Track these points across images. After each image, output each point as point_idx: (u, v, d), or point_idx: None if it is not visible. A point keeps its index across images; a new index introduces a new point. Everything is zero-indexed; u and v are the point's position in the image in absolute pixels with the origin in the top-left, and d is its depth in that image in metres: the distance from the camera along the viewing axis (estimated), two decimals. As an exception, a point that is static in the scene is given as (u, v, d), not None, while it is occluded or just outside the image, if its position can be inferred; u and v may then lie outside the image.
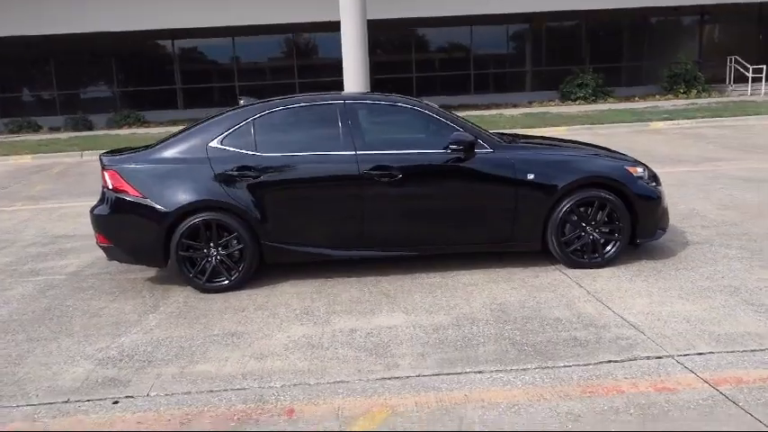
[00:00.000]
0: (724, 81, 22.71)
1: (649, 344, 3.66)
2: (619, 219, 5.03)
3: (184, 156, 5.01)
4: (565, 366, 3.43)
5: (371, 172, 4.90)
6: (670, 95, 21.87)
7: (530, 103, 22.08)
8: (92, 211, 5.17)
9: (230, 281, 4.95)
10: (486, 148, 5.03)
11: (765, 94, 20.85)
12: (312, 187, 5.00)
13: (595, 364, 3.44)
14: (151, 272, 5.52)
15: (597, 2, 20.80)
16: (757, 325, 3.85)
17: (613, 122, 16.63)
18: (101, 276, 5.54)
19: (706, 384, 3.15)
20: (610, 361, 3.47)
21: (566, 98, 22.05)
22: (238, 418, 3.04)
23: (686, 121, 16.42)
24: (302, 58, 23.48)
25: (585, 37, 23.95)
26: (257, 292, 4.91)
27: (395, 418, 2.98)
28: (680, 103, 20.08)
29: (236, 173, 4.90)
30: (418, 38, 24.06)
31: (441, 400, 3.12)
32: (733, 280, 4.66)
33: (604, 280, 4.81)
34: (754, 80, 21.24)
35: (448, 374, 3.39)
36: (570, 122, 16.42)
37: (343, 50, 17.54)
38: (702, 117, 16.68)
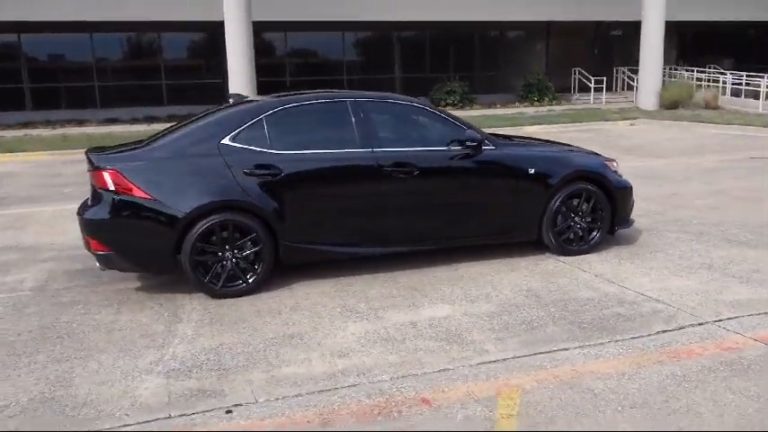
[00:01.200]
0: (569, 90, 25.29)
1: (683, 314, 4.15)
2: (602, 209, 5.57)
3: (194, 154, 4.71)
4: (633, 338, 3.79)
5: (390, 168, 4.96)
6: (526, 103, 23.88)
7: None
8: (81, 214, 4.67)
9: (248, 284, 4.73)
10: (489, 145, 5.31)
11: (606, 102, 23.54)
12: (331, 185, 4.95)
13: (656, 333, 3.85)
14: (129, 281, 5.06)
15: (446, 14, 22.04)
16: (751, 293, 4.51)
17: (492, 126, 17.90)
18: (76, 289, 4.98)
19: (759, 343, 3.68)
20: (665, 331, 3.90)
21: (436, 104, 23.15)
22: (378, 412, 3.01)
23: (553, 125, 18.10)
24: (169, 58, 22.24)
25: (452, 47, 25.37)
26: (277, 294, 4.75)
27: (530, 395, 3.12)
28: (541, 109, 22.04)
29: (254, 171, 4.70)
30: (295, 42, 23.92)
31: (556, 376, 3.32)
32: (703, 258, 5.38)
33: (599, 264, 5.30)
34: (596, 90, 23.91)
35: (539, 354, 3.60)
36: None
37: (228, 52, 17.12)
38: (565, 123, 18.50)
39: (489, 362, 3.52)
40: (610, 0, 23.39)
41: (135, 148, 4.85)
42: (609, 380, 3.26)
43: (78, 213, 4.73)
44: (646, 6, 20.17)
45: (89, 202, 4.79)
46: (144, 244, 4.61)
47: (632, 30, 25.45)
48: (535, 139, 7.29)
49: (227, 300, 4.64)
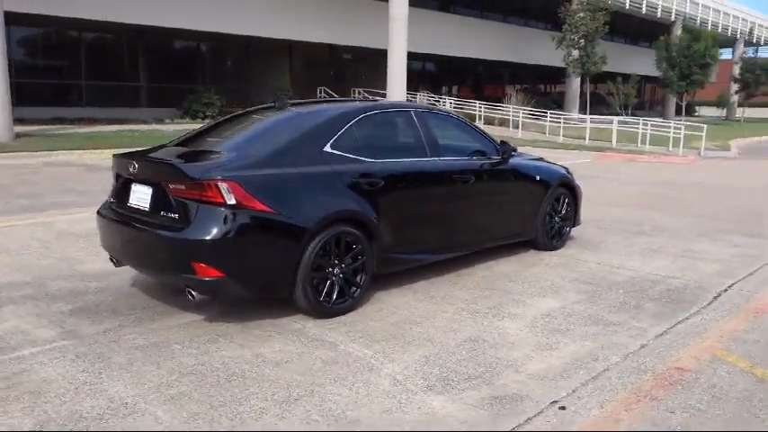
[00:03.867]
0: (315, 108, 26.66)
1: (707, 285, 5.31)
2: (570, 208, 6.61)
3: (301, 161, 4.29)
4: (703, 308, 4.77)
5: (456, 176, 5.20)
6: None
7: (160, 121, 21.32)
8: (186, 236, 3.85)
9: (352, 299, 4.48)
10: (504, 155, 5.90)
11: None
12: (415, 193, 4.96)
13: (710, 302, 4.90)
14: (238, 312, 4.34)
15: (193, 23, 21.61)
16: (722, 266, 5.95)
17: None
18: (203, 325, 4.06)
19: (777, 294, 5.05)
20: (714, 299, 5.00)
21: (194, 116, 22.13)
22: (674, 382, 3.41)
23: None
24: None
25: (206, 59, 24.45)
26: (376, 308, 4.58)
27: (725, 357, 3.86)
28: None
29: (358, 180, 4.50)
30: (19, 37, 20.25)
31: (711, 348, 4.09)
32: (653, 245, 6.79)
33: (583, 254, 6.31)
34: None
35: (671, 328, 4.32)
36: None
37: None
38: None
39: (658, 335, 4.16)
40: (345, 25, 25.44)
41: (218, 156, 4.21)
42: (742, 340, 4.18)
43: (182, 237, 3.86)
44: (391, 37, 22.52)
45: (173, 219, 3.96)
46: (266, 264, 4.04)
47: (364, 55, 28.06)
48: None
49: (342, 318, 4.34)
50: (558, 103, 33.33)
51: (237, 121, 5.22)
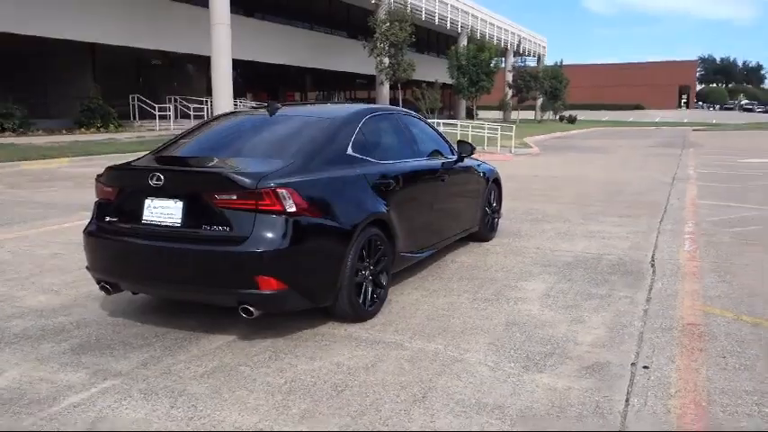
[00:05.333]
0: (128, 117, 24.64)
1: (636, 257, 6.21)
2: (497, 202, 7.22)
3: (333, 165, 4.23)
4: (656, 276, 5.63)
5: (438, 175, 5.46)
6: (93, 129, 22.22)
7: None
8: (248, 248, 3.60)
9: (380, 301, 4.53)
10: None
11: (176, 129, 24.02)
12: (414, 193, 5.11)
13: (653, 270, 5.77)
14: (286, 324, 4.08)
15: None
16: (629, 242, 6.97)
17: (100, 154, 16.36)
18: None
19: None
20: (652, 267, 5.88)
21: (-12, 129, 19.21)
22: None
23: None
24: None
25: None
26: (397, 307, 4.68)
27: (712, 311, 4.65)
28: (117, 136, 20.95)
29: (379, 182, 4.55)
30: None
31: (695, 306, 4.89)
32: (560, 230, 7.63)
33: (517, 242, 6.94)
34: (161, 118, 24.12)
35: (650, 295, 5.08)
36: (56, 155, 15.13)
37: None
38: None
39: (647, 300, 4.84)
40: (155, 29, 24.03)
41: (260, 162, 3.99)
42: (711, 289, 5.06)
43: (248, 249, 3.58)
44: (216, 42, 21.74)
45: (224, 232, 3.67)
46: (320, 272, 3.92)
47: (177, 61, 26.71)
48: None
49: (375, 320, 4.37)
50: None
51: (230, 126, 4.92)
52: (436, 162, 5.61)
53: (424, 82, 34.55)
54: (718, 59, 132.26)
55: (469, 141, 6.41)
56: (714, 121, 60.59)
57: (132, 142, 18.90)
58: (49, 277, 5.48)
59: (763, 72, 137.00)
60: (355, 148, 4.51)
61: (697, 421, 2.96)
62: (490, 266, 5.85)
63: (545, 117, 55.44)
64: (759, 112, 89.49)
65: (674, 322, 4.32)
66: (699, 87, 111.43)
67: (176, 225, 3.80)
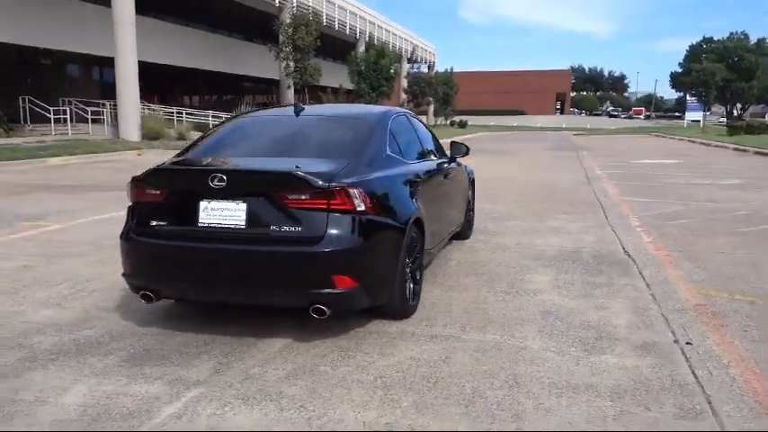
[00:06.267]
0: (18, 121, 22.74)
1: (609, 249, 6.72)
2: (472, 201, 7.52)
3: (379, 165, 4.29)
4: (638, 265, 6.15)
5: (444, 175, 5.64)
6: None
7: None
8: (325, 248, 3.60)
9: (417, 296, 4.64)
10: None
11: (74, 133, 22.46)
12: (432, 192, 5.23)
13: (631, 260, 6.30)
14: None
15: None
16: (593, 236, 7.50)
17: (17, 159, 15.19)
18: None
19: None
20: (628, 257, 6.41)
21: None
22: None
23: (65, 158, 16.73)
24: None
25: None
26: (428, 303, 4.81)
27: (709, 293, 5.17)
28: (29, 140, 19.44)
29: (412, 180, 4.66)
30: None
31: (691, 289, 5.41)
32: (525, 227, 8.04)
33: (494, 238, 7.27)
34: (56, 121, 22.47)
35: (648, 281, 5.55)
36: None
37: None
38: (76, 154, 17.33)
39: (649, 285, 5.29)
40: (45, 26, 22.43)
41: (318, 162, 3.98)
42: (693, 274, 5.62)
43: (322, 249, 3.57)
44: (120, 41, 20.64)
45: (295, 232, 3.63)
46: (383, 270, 3.97)
47: (70, 60, 25.08)
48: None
49: (417, 315, 4.49)
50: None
51: (265, 127, 4.83)
52: (442, 161, 5.80)
53: (329, 87, 34.60)
54: (587, 69, 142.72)
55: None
56: (589, 126, 65.31)
57: (39, 147, 17.57)
58: (37, 291, 5.09)
59: (626, 81, 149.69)
60: (391, 149, 4.60)
61: (763, 385, 3.34)
62: (487, 262, 6.11)
63: (438, 122, 57.31)
64: (623, 117, 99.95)
65: (684, 304, 4.76)
66: (572, 95, 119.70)
67: (241, 227, 3.71)
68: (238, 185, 3.72)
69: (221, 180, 3.68)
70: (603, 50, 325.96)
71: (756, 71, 74.06)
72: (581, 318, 4.45)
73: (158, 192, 3.91)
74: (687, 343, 3.94)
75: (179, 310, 4.57)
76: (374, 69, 39.22)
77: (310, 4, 35.39)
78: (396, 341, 3.98)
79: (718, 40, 79.82)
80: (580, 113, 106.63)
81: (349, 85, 41.09)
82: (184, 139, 22.71)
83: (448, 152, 6.32)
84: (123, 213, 4.24)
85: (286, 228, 3.65)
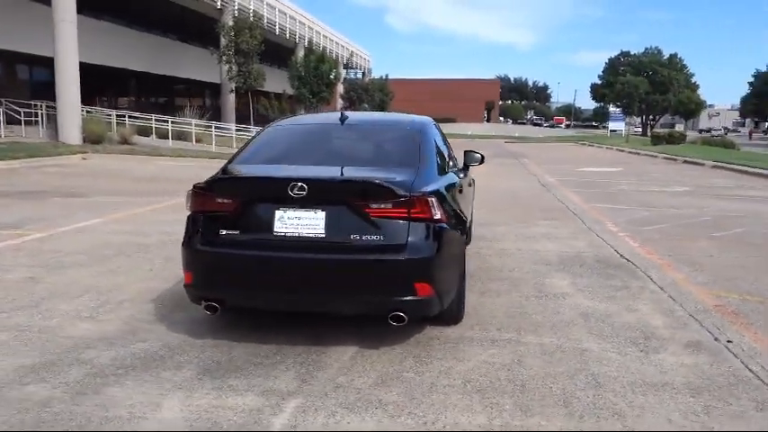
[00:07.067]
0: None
1: (605, 254, 7.06)
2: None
3: (436, 173, 4.39)
4: (643, 268, 6.49)
5: (469, 181, 5.79)
6: None
7: None
8: (410, 256, 3.65)
9: (463, 301, 4.75)
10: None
11: (7, 136, 21.18)
12: (461, 199, 5.30)
13: (635, 264, 6.66)
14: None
15: None
16: (583, 242, 7.83)
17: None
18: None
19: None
20: (630, 262, 6.77)
21: None
22: None
23: (17, 161, 15.92)
24: None
25: None
26: (481, 305, 4.94)
27: (719, 293, 5.54)
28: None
29: (460, 187, 4.83)
30: None
31: (703, 291, 5.77)
32: (518, 233, 8.30)
33: (498, 244, 7.48)
34: (-12, 123, 21.15)
35: (661, 283, 5.88)
36: None
37: None
38: (26, 158, 16.50)
39: (662, 287, 5.61)
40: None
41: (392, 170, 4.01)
42: (696, 276, 5.99)
43: (410, 257, 3.61)
44: (61, 40, 19.68)
45: (377, 240, 3.66)
46: (451, 276, 4.05)
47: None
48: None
49: (467, 321, 4.60)
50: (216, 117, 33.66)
51: (316, 135, 4.80)
52: (465, 168, 5.95)
53: (272, 93, 34.21)
54: (512, 79, 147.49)
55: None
56: (517, 134, 67.43)
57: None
58: (59, 303, 4.87)
59: (549, 91, 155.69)
60: (439, 157, 4.70)
61: (814, 378, 3.65)
62: (501, 268, 6.30)
63: (375, 128, 57.73)
64: (545, 126, 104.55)
65: (704, 305, 5.09)
66: (499, 103, 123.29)
67: (320, 236, 3.70)
68: (318, 194, 3.71)
69: (302, 189, 3.67)
70: (526, 61, 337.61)
71: (670, 85, 78.74)
72: (619, 320, 4.68)
73: (228, 200, 3.83)
74: (728, 341, 4.24)
75: (223, 322, 4.47)
76: (314, 75, 39.10)
77: (252, 7, 34.89)
78: (461, 346, 4.07)
79: (634, 55, 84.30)
80: (506, 122, 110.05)
81: (290, 91, 40.78)
82: (128, 143, 21.90)
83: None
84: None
85: (367, 236, 3.68)
